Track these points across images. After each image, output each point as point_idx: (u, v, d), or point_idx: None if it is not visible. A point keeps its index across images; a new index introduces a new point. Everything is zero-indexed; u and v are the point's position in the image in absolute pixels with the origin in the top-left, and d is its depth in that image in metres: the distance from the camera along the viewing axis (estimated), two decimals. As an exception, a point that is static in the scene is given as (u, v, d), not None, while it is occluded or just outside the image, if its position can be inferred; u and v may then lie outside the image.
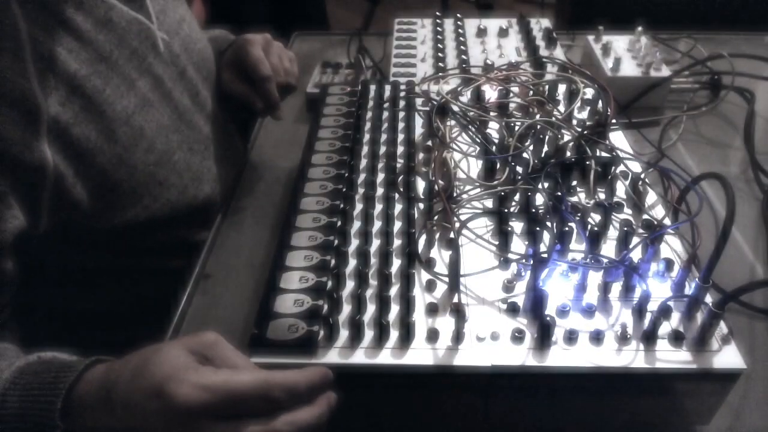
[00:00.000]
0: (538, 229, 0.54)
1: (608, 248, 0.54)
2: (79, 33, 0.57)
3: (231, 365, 0.40)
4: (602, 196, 0.59)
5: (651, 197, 0.60)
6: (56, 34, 0.55)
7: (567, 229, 0.54)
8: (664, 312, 0.47)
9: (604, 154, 0.62)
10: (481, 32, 0.95)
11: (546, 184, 0.59)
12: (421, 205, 0.58)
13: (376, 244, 0.54)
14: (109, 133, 0.59)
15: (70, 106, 0.55)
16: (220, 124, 0.80)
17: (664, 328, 0.47)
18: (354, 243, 0.55)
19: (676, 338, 0.46)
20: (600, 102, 0.69)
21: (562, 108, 0.71)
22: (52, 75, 0.54)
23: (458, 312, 0.46)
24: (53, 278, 0.64)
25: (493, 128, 0.68)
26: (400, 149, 0.66)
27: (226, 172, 0.78)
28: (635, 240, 0.54)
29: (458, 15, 0.99)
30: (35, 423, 0.41)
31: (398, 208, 0.58)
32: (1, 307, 0.54)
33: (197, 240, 0.70)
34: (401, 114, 0.72)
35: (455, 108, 0.70)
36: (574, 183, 0.60)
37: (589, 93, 0.72)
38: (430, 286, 0.51)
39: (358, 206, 0.59)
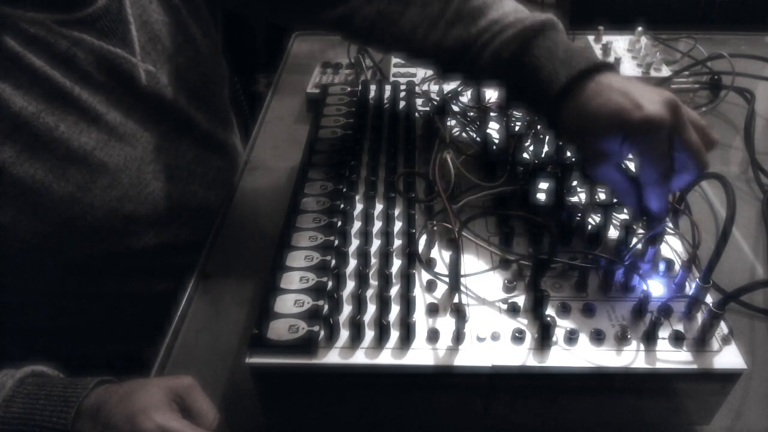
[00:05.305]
0: (538, 229, 0.54)
1: (608, 248, 0.54)
2: (30, 69, 0.54)
3: (195, 412, 0.47)
4: (603, 196, 0.59)
5: (651, 197, 0.60)
6: (1, 71, 0.53)
7: (567, 229, 0.54)
8: (665, 312, 0.47)
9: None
10: (481, 32, 0.95)
11: (546, 184, 0.59)
12: (422, 206, 0.58)
13: (376, 244, 0.54)
14: (60, 171, 0.57)
15: (11, 144, 0.54)
16: (216, 142, 0.77)
17: (665, 329, 0.47)
18: (354, 243, 0.55)
19: (677, 338, 0.46)
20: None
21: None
22: None
23: (459, 312, 0.46)
24: (33, 297, 0.64)
25: (494, 128, 0.68)
26: (400, 149, 0.66)
27: (216, 193, 0.76)
28: (635, 240, 0.54)
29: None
30: (43, 428, 0.46)
31: (398, 208, 0.58)
32: None
33: (185, 264, 0.67)
34: (401, 114, 0.72)
35: (455, 108, 0.70)
36: (575, 183, 0.60)
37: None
38: (430, 287, 0.51)
39: (359, 206, 0.59)
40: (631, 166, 0.57)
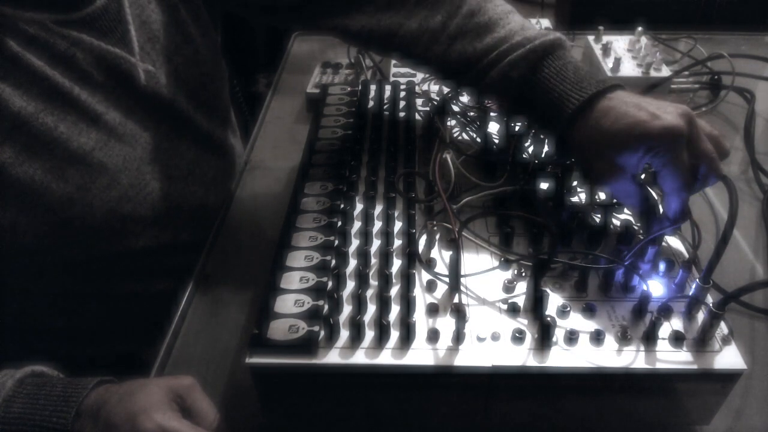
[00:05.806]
0: (538, 229, 0.54)
1: (608, 248, 0.54)
2: (29, 69, 0.54)
3: (195, 412, 0.47)
4: (603, 196, 0.59)
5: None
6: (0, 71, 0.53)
7: (567, 229, 0.54)
8: (665, 312, 0.47)
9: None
10: (481, 32, 0.95)
11: (546, 185, 0.59)
12: (422, 206, 0.58)
13: (376, 244, 0.54)
14: (60, 171, 0.57)
15: (10, 144, 0.54)
16: (215, 143, 0.77)
17: (665, 329, 0.47)
18: (354, 243, 0.55)
19: (677, 339, 0.46)
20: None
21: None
22: None
23: (459, 312, 0.46)
24: (32, 298, 0.64)
25: (494, 128, 0.68)
26: (400, 149, 0.66)
27: (215, 193, 0.76)
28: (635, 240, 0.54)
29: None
30: (43, 428, 0.46)
31: (398, 208, 0.58)
32: None
33: (184, 264, 0.67)
34: (401, 114, 0.72)
35: (455, 108, 0.70)
36: (575, 183, 0.60)
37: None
38: (430, 287, 0.51)
39: (359, 206, 0.59)
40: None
